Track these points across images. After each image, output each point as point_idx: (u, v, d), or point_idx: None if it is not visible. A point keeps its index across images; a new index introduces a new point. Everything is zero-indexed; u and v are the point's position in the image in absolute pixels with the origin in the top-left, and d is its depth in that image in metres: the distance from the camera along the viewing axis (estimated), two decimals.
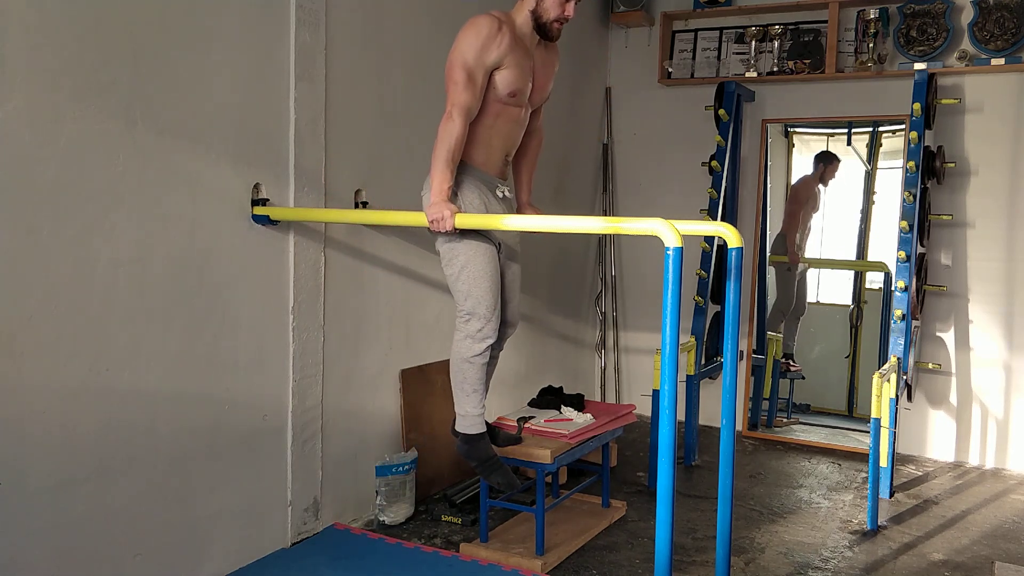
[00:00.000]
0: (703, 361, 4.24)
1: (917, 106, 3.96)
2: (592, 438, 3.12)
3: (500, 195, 2.74)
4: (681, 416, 4.10)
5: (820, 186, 4.71)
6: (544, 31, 2.68)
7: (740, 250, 2.44)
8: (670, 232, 2.08)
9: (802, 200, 4.77)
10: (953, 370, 4.30)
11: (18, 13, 2.00)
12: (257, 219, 2.69)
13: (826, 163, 4.67)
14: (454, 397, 2.81)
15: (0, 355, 2.02)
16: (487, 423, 2.83)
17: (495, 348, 2.82)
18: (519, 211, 2.91)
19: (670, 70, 4.83)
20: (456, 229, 2.54)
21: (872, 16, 4.23)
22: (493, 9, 2.63)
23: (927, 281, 4.23)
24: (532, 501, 3.10)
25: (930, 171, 4.08)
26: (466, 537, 3.06)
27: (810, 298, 4.88)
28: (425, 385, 3.48)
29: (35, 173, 2.06)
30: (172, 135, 2.40)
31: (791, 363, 4.79)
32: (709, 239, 4.33)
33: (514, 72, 2.61)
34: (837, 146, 4.69)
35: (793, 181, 4.83)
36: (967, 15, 4.17)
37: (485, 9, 2.62)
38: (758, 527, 3.29)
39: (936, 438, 4.35)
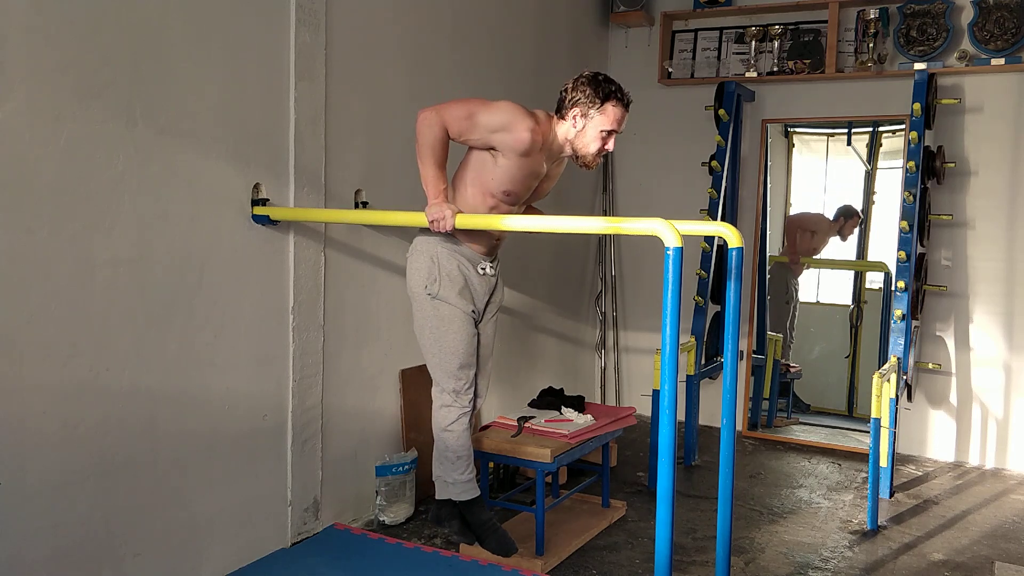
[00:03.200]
0: (703, 361, 4.24)
1: (917, 106, 3.96)
2: (592, 438, 3.12)
3: (481, 271, 2.74)
4: (681, 416, 4.10)
5: (838, 238, 4.70)
6: (581, 163, 2.68)
7: (740, 250, 2.44)
8: (670, 232, 2.08)
9: (814, 234, 4.78)
10: (953, 370, 4.30)
11: (18, 14, 2.00)
12: (257, 219, 2.69)
13: (847, 217, 4.66)
14: (437, 467, 2.82)
15: (0, 355, 2.02)
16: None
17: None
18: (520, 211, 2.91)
19: (670, 70, 4.83)
20: (436, 294, 2.61)
21: (872, 16, 4.23)
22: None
23: (927, 281, 4.23)
24: (532, 501, 3.11)
25: (930, 171, 4.08)
26: (455, 538, 3.05)
27: (810, 298, 4.88)
28: (425, 385, 3.47)
29: (35, 173, 2.06)
30: (172, 135, 2.40)
31: (790, 364, 4.79)
32: (709, 239, 4.33)
33: (518, 173, 2.60)
34: (837, 146, 4.69)
35: (795, 181, 4.83)
36: (967, 15, 4.17)
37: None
38: (758, 527, 3.29)
39: (936, 438, 4.35)
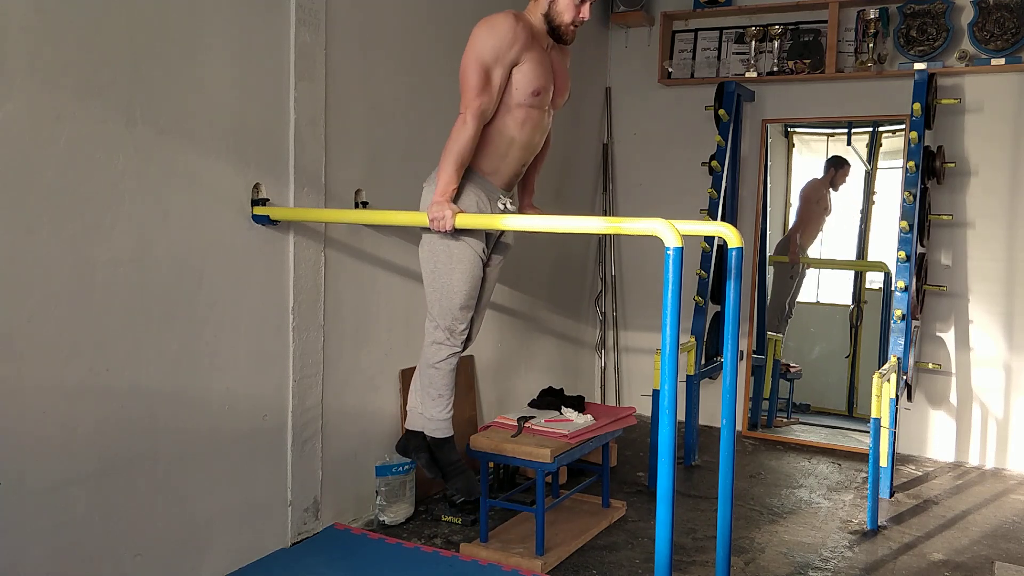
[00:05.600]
0: (703, 361, 4.24)
1: (917, 106, 3.96)
2: (592, 438, 3.12)
3: (501, 207, 2.71)
4: (681, 416, 4.10)
5: (831, 190, 4.70)
6: (558, 34, 2.64)
7: (740, 250, 2.44)
8: (670, 232, 2.08)
9: (811, 201, 4.78)
10: (953, 370, 4.30)
11: (18, 13, 2.00)
12: (257, 219, 2.69)
13: (837, 167, 4.66)
14: (415, 398, 2.83)
15: (0, 355, 2.02)
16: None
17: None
18: (520, 211, 2.91)
19: (670, 70, 4.83)
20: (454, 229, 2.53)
21: (872, 16, 4.23)
22: (493, 7, 2.63)
23: (927, 281, 4.23)
24: (532, 501, 3.11)
25: (930, 171, 4.08)
26: (466, 537, 3.06)
27: (810, 298, 4.88)
28: None
29: (35, 173, 2.06)
30: (172, 135, 2.40)
31: (790, 364, 4.79)
32: (709, 239, 4.33)
33: (536, 69, 2.56)
34: (838, 146, 4.69)
35: (795, 181, 4.83)
36: (967, 15, 4.17)
37: (485, 7, 2.62)
38: (758, 527, 3.29)
39: (936, 438, 4.35)
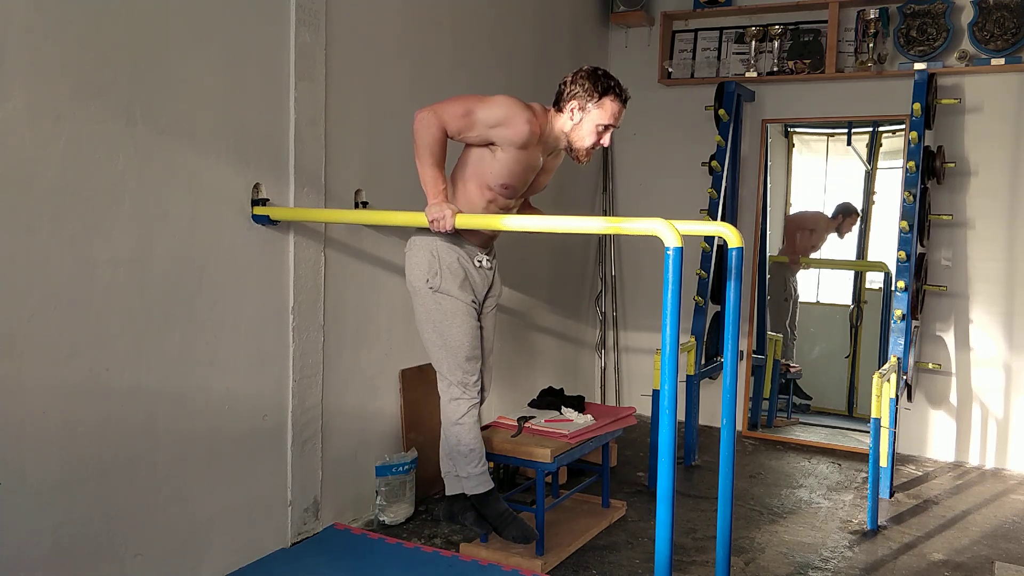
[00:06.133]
0: (703, 361, 4.24)
1: (917, 106, 3.96)
2: (592, 438, 3.12)
3: (478, 264, 2.74)
4: (681, 416, 4.10)
5: (836, 235, 4.70)
6: (573, 154, 2.68)
7: (740, 250, 2.44)
8: (670, 232, 2.08)
9: (812, 231, 4.78)
10: (953, 370, 4.30)
11: (18, 13, 2.00)
12: (257, 219, 2.69)
13: (845, 215, 4.66)
14: (447, 463, 2.82)
15: (0, 355, 2.02)
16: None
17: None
18: (520, 211, 2.91)
19: (670, 70, 4.83)
20: (438, 287, 2.61)
21: (872, 16, 4.23)
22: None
23: (927, 281, 4.23)
24: (532, 501, 3.10)
25: (930, 171, 4.08)
26: (466, 537, 3.06)
27: (810, 298, 4.88)
28: (425, 385, 3.48)
29: (35, 173, 2.06)
30: (172, 135, 2.40)
31: (790, 364, 4.79)
32: (709, 239, 4.33)
33: (514, 167, 2.60)
34: (837, 146, 4.69)
35: (795, 181, 4.83)
36: (967, 15, 4.17)
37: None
38: (758, 527, 3.29)
39: (936, 438, 4.35)
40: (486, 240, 2.77)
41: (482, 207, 2.66)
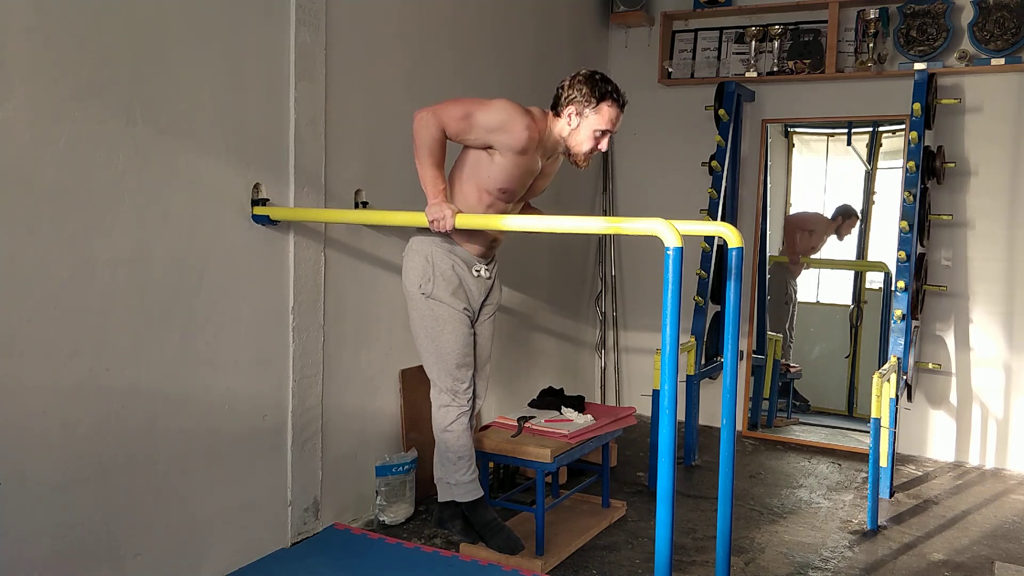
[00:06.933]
0: (703, 361, 4.24)
1: (917, 106, 3.96)
2: (592, 438, 3.12)
3: (476, 273, 2.74)
4: (681, 416, 4.10)
5: (835, 237, 4.70)
6: (572, 159, 2.68)
7: (740, 250, 2.44)
8: (670, 232, 2.08)
9: (812, 234, 4.78)
10: (953, 370, 4.30)
11: (18, 13, 2.00)
12: (257, 219, 2.69)
13: (845, 217, 4.66)
14: (439, 469, 2.83)
15: (0, 355, 2.02)
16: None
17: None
18: (520, 211, 2.91)
19: (670, 70, 4.83)
20: (431, 293, 2.61)
21: (872, 16, 4.23)
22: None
23: (927, 281, 4.23)
24: (532, 501, 3.10)
25: (930, 171, 4.08)
26: (458, 539, 3.05)
27: (810, 298, 4.88)
28: (425, 385, 3.46)
29: (35, 173, 2.06)
30: (172, 135, 2.40)
31: (790, 364, 4.79)
32: (709, 239, 4.33)
33: (514, 172, 2.60)
34: (837, 146, 4.69)
35: (795, 181, 4.83)
36: (967, 15, 4.17)
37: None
38: (758, 527, 3.29)
39: (936, 438, 4.35)
40: (486, 248, 2.77)
41: (480, 211, 2.66)
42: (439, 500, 2.87)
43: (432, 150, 2.51)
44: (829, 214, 4.72)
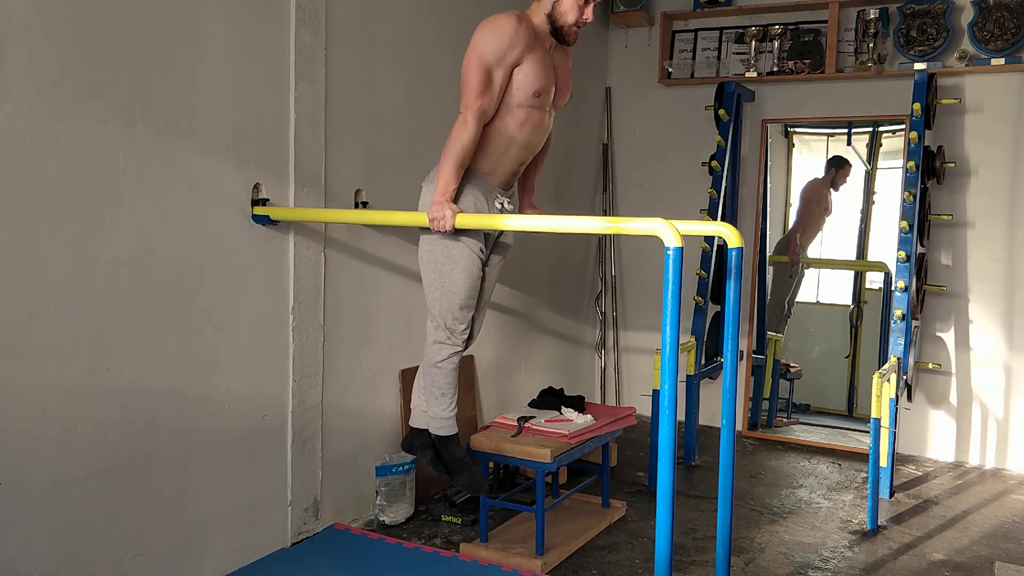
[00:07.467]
0: (703, 361, 4.24)
1: (917, 106, 3.96)
2: (592, 438, 3.12)
3: (499, 206, 2.70)
4: (681, 416, 4.10)
5: (831, 190, 4.70)
6: (560, 35, 2.63)
7: (740, 250, 2.44)
8: (670, 232, 2.08)
9: (812, 202, 4.78)
10: (953, 370, 4.30)
11: (18, 13, 2.00)
12: (257, 219, 2.69)
13: (838, 167, 4.66)
14: (419, 396, 2.82)
15: (0, 355, 2.02)
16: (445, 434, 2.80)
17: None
18: (520, 211, 2.91)
19: (670, 70, 4.83)
20: (454, 229, 2.53)
21: (872, 16, 4.23)
22: (494, 7, 2.63)
23: (927, 281, 4.23)
24: (532, 501, 3.11)
25: (930, 171, 4.08)
26: (466, 537, 3.06)
27: (810, 298, 4.88)
28: None
29: (35, 173, 2.06)
30: (172, 135, 2.40)
31: (790, 364, 4.79)
32: (709, 239, 4.33)
33: (537, 69, 2.56)
34: (838, 146, 4.70)
35: (795, 181, 4.83)
36: (967, 15, 4.17)
37: (486, 6, 2.62)
38: (758, 527, 3.29)
39: (936, 438, 4.35)
40: (507, 179, 2.71)
41: (517, 131, 2.59)
42: (411, 424, 2.86)
43: (463, 153, 2.49)
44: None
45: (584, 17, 2.61)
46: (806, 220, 4.80)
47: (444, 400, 2.73)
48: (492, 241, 2.76)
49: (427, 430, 2.81)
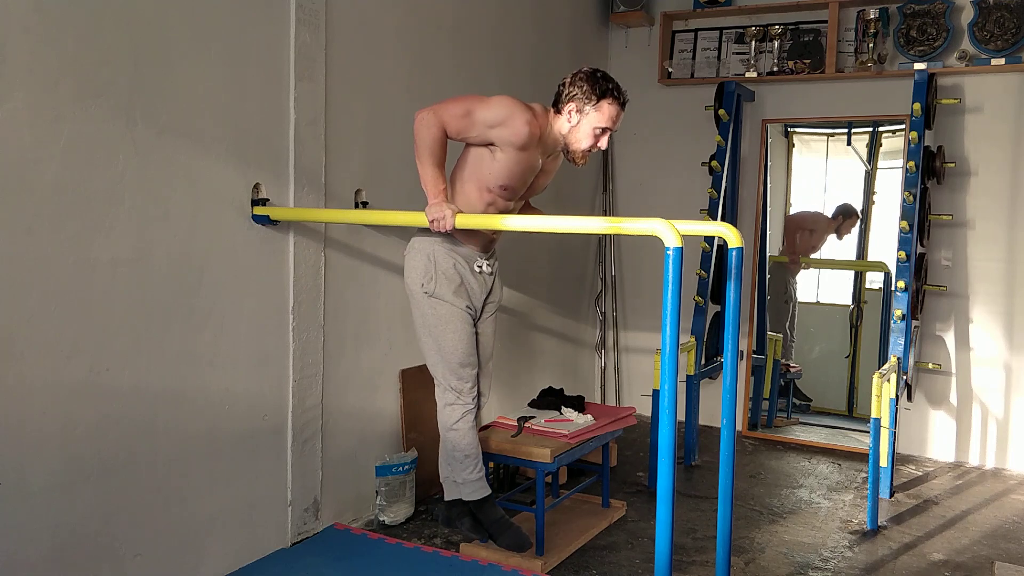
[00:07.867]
0: (703, 361, 4.24)
1: (917, 106, 3.96)
2: (592, 438, 3.12)
3: (478, 269, 2.74)
4: (681, 416, 4.10)
5: (835, 236, 4.70)
6: (569, 156, 2.67)
7: (740, 250, 2.44)
8: (670, 232, 2.08)
9: (815, 231, 4.78)
10: (953, 370, 4.30)
11: (18, 14, 2.00)
12: (257, 219, 2.69)
13: (846, 216, 4.66)
14: (445, 467, 2.82)
15: (0, 355, 2.02)
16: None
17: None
18: (520, 211, 2.91)
19: (670, 70, 4.83)
20: (433, 292, 2.61)
21: (872, 16, 4.23)
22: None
23: (927, 281, 4.23)
24: (532, 501, 3.10)
25: (930, 171, 4.08)
26: (466, 537, 3.06)
27: (810, 298, 4.88)
28: (425, 385, 3.47)
29: (35, 173, 2.06)
30: (172, 135, 2.40)
31: (790, 364, 4.79)
32: (709, 239, 4.33)
33: (513, 168, 2.59)
34: (837, 146, 4.70)
35: (795, 181, 4.83)
36: (967, 15, 4.17)
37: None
38: (758, 527, 3.29)
39: (936, 438, 4.35)
40: (487, 244, 2.77)
41: (481, 209, 2.65)
42: (445, 499, 2.86)
43: (433, 150, 2.51)
44: (829, 213, 4.72)
45: (598, 145, 2.64)
46: (800, 245, 4.81)
47: (468, 462, 2.74)
48: (482, 300, 2.79)
49: (460, 499, 2.81)
